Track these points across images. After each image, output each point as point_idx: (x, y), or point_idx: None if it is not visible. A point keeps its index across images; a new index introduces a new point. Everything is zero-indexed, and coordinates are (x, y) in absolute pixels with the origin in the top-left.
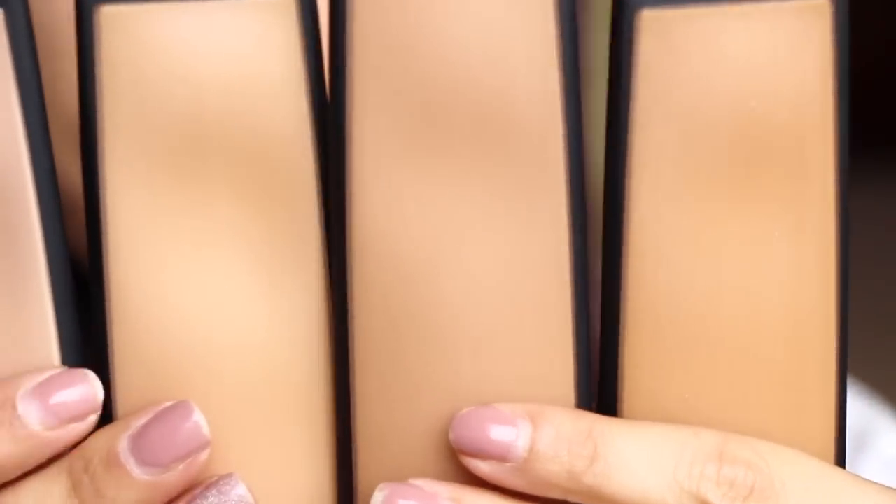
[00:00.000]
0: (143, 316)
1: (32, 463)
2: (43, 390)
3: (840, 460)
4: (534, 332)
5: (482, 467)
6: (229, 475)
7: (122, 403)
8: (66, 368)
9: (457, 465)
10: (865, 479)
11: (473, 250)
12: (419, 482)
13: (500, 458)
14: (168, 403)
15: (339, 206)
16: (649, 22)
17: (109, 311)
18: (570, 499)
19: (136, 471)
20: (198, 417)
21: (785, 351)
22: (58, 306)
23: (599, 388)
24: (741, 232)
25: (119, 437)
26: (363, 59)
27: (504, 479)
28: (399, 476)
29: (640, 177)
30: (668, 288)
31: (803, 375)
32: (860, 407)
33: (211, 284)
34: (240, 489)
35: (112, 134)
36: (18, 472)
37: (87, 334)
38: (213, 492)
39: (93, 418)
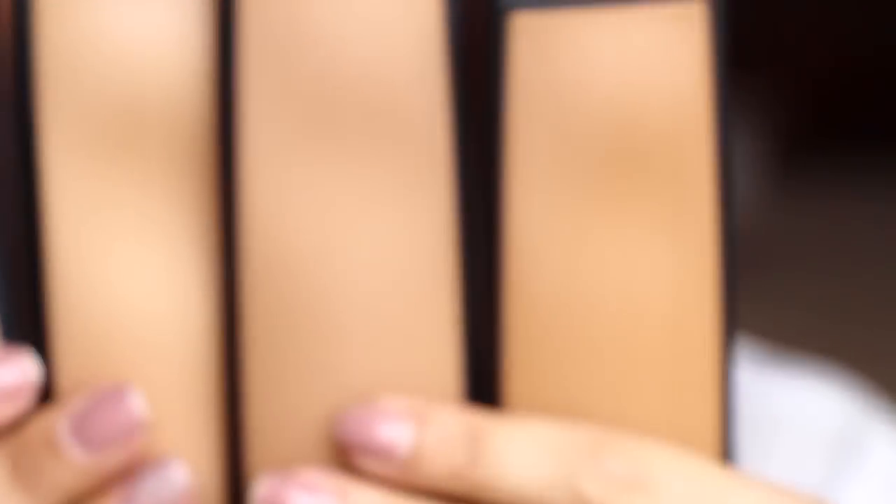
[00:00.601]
0: (83, 299)
1: None
2: None
3: (726, 458)
4: (420, 323)
5: (368, 464)
6: (170, 460)
7: (63, 386)
8: (2, 347)
9: (344, 455)
10: (750, 477)
11: (361, 242)
12: (305, 473)
13: (386, 455)
14: (107, 384)
15: (227, 198)
16: (523, 25)
17: (49, 294)
18: (454, 494)
19: (76, 451)
20: (136, 398)
21: (666, 350)
22: None
23: (480, 387)
24: (620, 234)
25: (59, 419)
26: (251, 52)
27: (389, 476)
28: (289, 465)
29: (516, 178)
30: (548, 289)
31: (685, 374)
32: (852, 414)
33: (149, 266)
34: (180, 473)
35: (50, 118)
36: None
37: (19, 315)
38: (154, 476)
39: (28, 397)
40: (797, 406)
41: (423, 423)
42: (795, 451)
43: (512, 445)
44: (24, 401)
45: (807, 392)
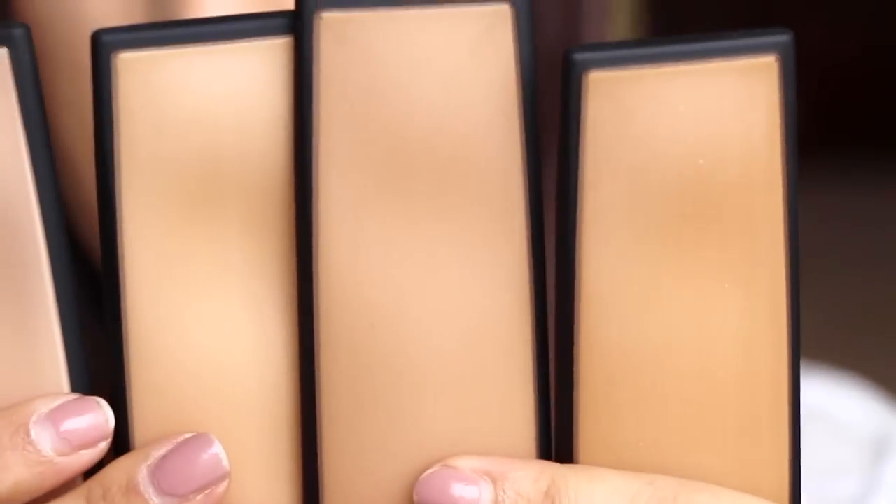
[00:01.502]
0: (160, 349)
1: (44, 488)
2: (56, 416)
3: None
4: (496, 379)
5: None
6: None
7: (139, 434)
8: (78, 395)
9: None
10: None
11: (437, 298)
12: None
13: None
14: (188, 434)
15: (305, 253)
16: (597, 83)
17: (127, 346)
18: None
19: (155, 500)
20: (217, 449)
21: (737, 402)
22: (66, 336)
23: (556, 441)
24: (692, 287)
25: (139, 466)
26: (328, 108)
27: None
28: None
29: (590, 233)
30: (620, 341)
31: (756, 426)
32: (881, 414)
33: (225, 320)
34: None
35: (128, 176)
36: (31, 498)
37: (96, 364)
38: None
39: (103, 445)
40: (828, 409)
41: (501, 485)
42: (829, 454)
43: (589, 499)
44: (100, 449)
45: (836, 396)
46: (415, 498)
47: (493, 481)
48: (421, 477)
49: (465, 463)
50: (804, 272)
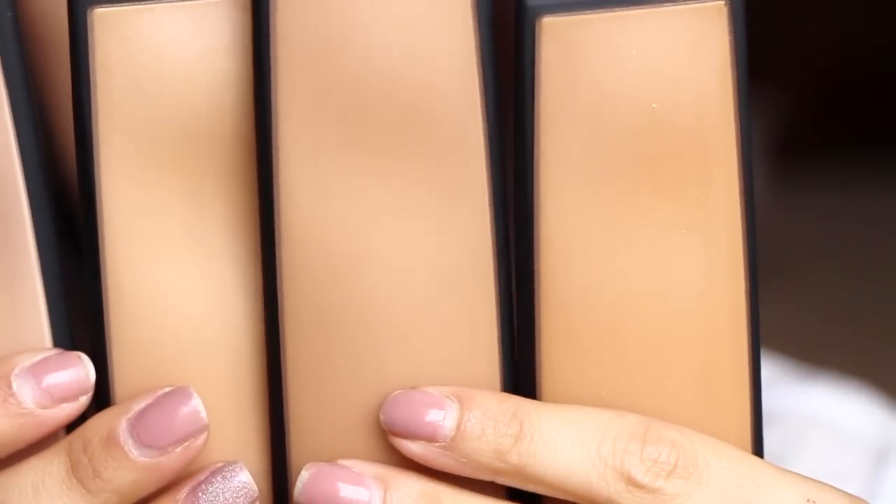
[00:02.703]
0: (139, 305)
1: (26, 440)
2: (37, 370)
3: (757, 451)
4: (459, 321)
5: (412, 448)
6: (233, 462)
7: (119, 389)
8: (59, 350)
9: (387, 449)
10: (784, 468)
11: (399, 242)
12: (347, 462)
13: (429, 438)
14: (167, 388)
15: (266, 203)
16: (550, 28)
17: (106, 300)
18: (497, 479)
19: (135, 452)
20: (196, 402)
21: (698, 345)
22: (48, 291)
23: (518, 385)
24: (650, 231)
25: (119, 420)
26: (286, 58)
27: (433, 460)
28: (330, 459)
29: (547, 178)
30: (580, 286)
31: (717, 369)
32: (883, 420)
33: (203, 274)
34: (244, 476)
35: (106, 132)
36: (12, 450)
37: (77, 319)
38: (218, 478)
39: (84, 399)
40: (830, 414)
41: (466, 404)
42: (830, 460)
43: (555, 427)
44: (80, 402)
45: (838, 401)
46: (381, 417)
47: (460, 400)
48: (389, 396)
49: (431, 388)
50: (803, 272)
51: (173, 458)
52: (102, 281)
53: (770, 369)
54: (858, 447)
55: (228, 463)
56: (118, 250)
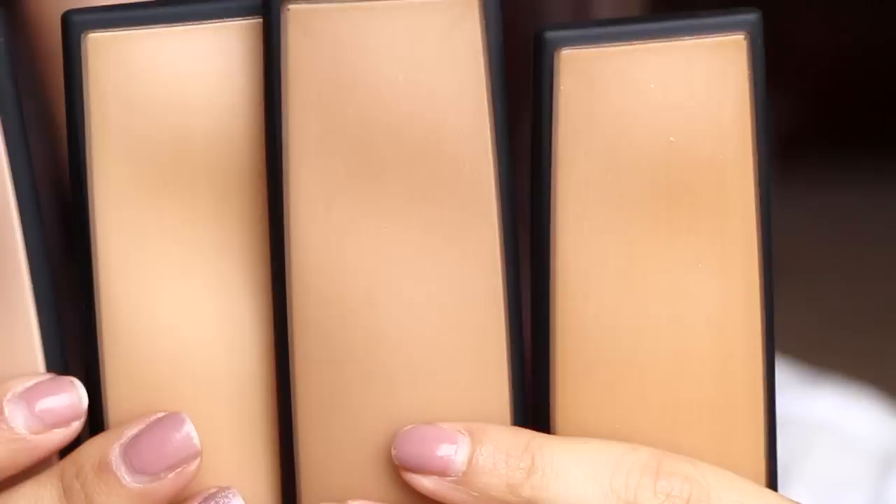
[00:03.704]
0: (132, 329)
1: (18, 466)
2: (30, 395)
3: (771, 483)
4: (470, 361)
5: (424, 483)
6: (227, 488)
7: (112, 414)
8: (52, 375)
9: (397, 485)
10: (797, 502)
11: (410, 284)
12: (358, 502)
13: (441, 472)
14: (160, 414)
15: (277, 242)
16: (569, 61)
17: (100, 324)
18: None
19: (127, 478)
20: (189, 428)
21: (712, 379)
22: (41, 315)
23: (532, 423)
24: (666, 264)
25: (111, 445)
26: (298, 99)
27: (445, 495)
28: (341, 495)
29: (564, 212)
30: (595, 320)
31: (731, 402)
32: (890, 426)
33: (196, 299)
34: (237, 502)
35: (100, 156)
36: (5, 475)
37: (70, 343)
38: (211, 503)
39: (76, 425)
40: (836, 421)
41: (478, 438)
42: (836, 467)
43: (567, 460)
44: (73, 428)
45: (844, 408)
46: (393, 452)
47: (472, 435)
48: (400, 431)
49: (443, 424)
50: (803, 272)
51: (166, 484)
52: (96, 305)
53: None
54: (864, 454)
55: (222, 489)
56: (112, 274)
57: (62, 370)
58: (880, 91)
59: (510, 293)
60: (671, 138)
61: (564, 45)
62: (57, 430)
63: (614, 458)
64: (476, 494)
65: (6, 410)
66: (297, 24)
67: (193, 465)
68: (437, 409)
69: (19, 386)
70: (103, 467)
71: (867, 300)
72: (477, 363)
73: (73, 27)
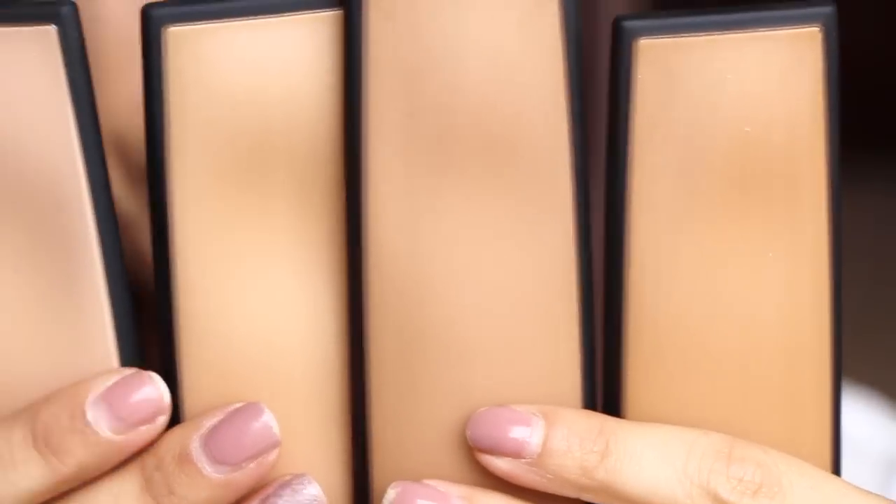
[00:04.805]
0: (210, 320)
1: (106, 467)
2: (111, 395)
3: (836, 470)
4: (543, 345)
5: (498, 464)
6: (302, 475)
7: (189, 405)
8: (132, 371)
9: (470, 467)
10: (865, 490)
11: (486, 269)
12: (432, 482)
13: (515, 454)
14: (239, 404)
15: (354, 227)
16: (646, 50)
17: (177, 316)
18: (583, 496)
19: (208, 469)
20: (268, 418)
21: (782, 366)
22: (115, 310)
23: (602, 409)
24: (737, 253)
25: (191, 437)
26: (378, 83)
27: (519, 476)
28: (414, 477)
29: (639, 200)
30: (667, 308)
31: (800, 389)
32: (893, 431)
33: (273, 290)
34: (313, 489)
35: (179, 149)
36: (94, 475)
37: (145, 337)
38: (288, 491)
39: (162, 419)
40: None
41: (552, 421)
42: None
43: (640, 444)
44: (158, 423)
45: (848, 412)
46: (467, 433)
47: (546, 417)
48: (475, 413)
49: (517, 406)
50: None
51: (246, 474)
52: (173, 297)
53: None
54: (869, 458)
55: (297, 475)
56: (189, 266)
57: (139, 365)
58: (882, 92)
59: (583, 279)
60: (746, 128)
61: (642, 35)
62: (142, 428)
63: (687, 442)
64: (550, 476)
65: (89, 415)
66: (379, 8)
67: (273, 455)
68: (509, 388)
69: (100, 386)
70: (184, 458)
71: (869, 304)
72: (549, 347)
73: (153, 21)
